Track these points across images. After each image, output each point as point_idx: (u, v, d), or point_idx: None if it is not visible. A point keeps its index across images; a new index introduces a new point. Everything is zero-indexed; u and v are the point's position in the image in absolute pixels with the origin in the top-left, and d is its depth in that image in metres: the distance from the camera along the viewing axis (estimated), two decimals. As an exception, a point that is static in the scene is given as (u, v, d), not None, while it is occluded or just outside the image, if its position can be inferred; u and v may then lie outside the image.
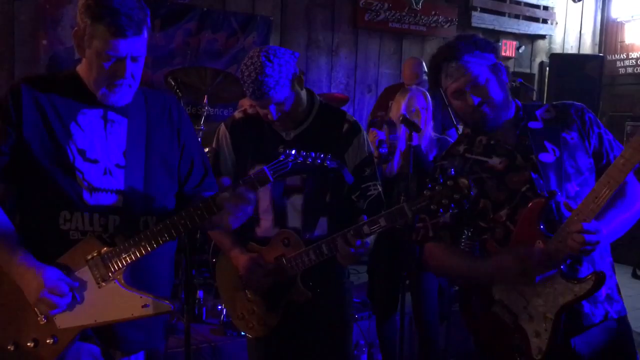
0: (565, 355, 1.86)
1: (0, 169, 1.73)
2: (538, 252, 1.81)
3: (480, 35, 2.02)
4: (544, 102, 2.21)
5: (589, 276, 1.76)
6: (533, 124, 1.97)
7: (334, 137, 2.24)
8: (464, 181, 1.82)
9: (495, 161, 1.96)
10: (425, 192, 1.86)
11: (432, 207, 1.86)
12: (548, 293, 1.81)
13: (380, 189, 2.33)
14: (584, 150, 1.91)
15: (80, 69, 1.81)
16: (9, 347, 1.73)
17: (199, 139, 3.93)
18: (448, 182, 1.83)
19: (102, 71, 1.72)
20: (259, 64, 2.07)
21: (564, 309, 1.79)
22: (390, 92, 5.02)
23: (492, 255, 1.92)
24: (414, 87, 3.74)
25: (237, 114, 2.38)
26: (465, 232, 2.09)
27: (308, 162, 1.79)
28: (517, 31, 7.12)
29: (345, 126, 2.28)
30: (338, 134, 2.26)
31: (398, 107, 3.51)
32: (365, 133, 2.33)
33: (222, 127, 2.35)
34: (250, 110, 2.33)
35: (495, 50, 1.96)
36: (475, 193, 1.93)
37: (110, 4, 1.64)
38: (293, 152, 1.77)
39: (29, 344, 1.73)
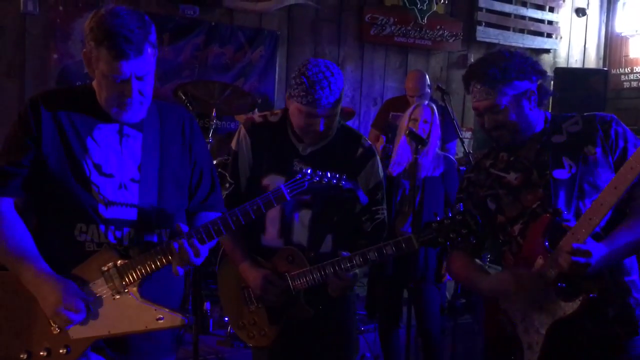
0: None
1: (20, 181, 1.76)
2: (533, 273, 1.83)
3: (524, 54, 1.99)
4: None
5: (579, 298, 1.75)
6: (557, 138, 1.95)
7: (348, 159, 2.28)
8: (472, 217, 1.86)
9: (512, 177, 1.98)
10: (433, 224, 1.92)
11: (439, 239, 1.92)
12: (543, 308, 1.82)
13: (385, 214, 2.37)
14: (607, 166, 1.87)
15: (95, 85, 1.84)
16: (21, 356, 1.75)
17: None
18: (457, 217, 1.88)
19: (110, 92, 1.76)
20: (333, 77, 2.10)
21: (554, 326, 1.80)
22: (392, 104, 5.06)
23: (494, 274, 1.98)
24: (425, 101, 3.76)
25: (257, 118, 2.39)
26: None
27: (324, 182, 1.82)
28: (521, 45, 7.15)
29: (360, 150, 2.31)
30: (352, 156, 2.30)
31: (404, 117, 3.56)
32: (378, 158, 2.36)
33: (242, 129, 2.37)
34: (271, 118, 2.35)
35: (533, 72, 1.94)
36: (493, 208, 1.99)
37: (110, 28, 1.67)
38: (309, 171, 1.81)
39: (41, 353, 1.74)
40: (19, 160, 1.75)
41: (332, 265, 2.11)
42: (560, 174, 1.89)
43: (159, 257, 1.76)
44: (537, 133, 1.98)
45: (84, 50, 1.76)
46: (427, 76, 4.92)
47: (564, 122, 1.98)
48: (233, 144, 2.38)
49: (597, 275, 1.79)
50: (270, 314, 2.27)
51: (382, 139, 3.51)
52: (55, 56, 4.93)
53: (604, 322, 1.84)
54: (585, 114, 2.01)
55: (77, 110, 1.81)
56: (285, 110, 2.35)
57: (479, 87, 1.93)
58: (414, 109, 3.54)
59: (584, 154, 1.89)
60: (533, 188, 1.93)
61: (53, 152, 1.76)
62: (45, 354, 1.74)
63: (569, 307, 1.76)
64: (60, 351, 1.74)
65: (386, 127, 4.63)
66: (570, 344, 1.86)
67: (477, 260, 2.13)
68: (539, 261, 1.83)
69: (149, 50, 1.74)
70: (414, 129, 3.32)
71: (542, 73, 1.97)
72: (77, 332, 1.74)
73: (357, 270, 2.14)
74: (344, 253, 2.12)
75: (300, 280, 2.18)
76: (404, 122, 3.53)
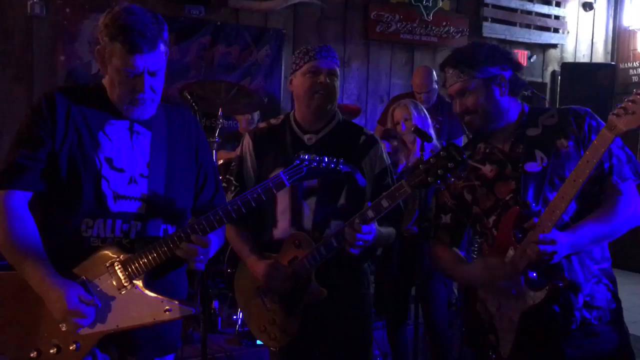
0: (555, 357, 1.92)
1: (38, 175, 1.76)
2: (503, 262, 1.89)
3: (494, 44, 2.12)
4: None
5: (545, 286, 1.81)
6: (532, 131, 2.00)
7: (351, 145, 2.34)
8: (456, 149, 1.90)
9: (487, 169, 2.04)
10: (421, 166, 1.95)
11: (429, 179, 1.93)
12: (515, 297, 1.88)
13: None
14: (578, 159, 1.90)
15: (106, 82, 1.87)
16: (31, 355, 1.75)
17: (214, 151, 4.00)
18: (441, 153, 1.91)
19: (123, 87, 1.78)
20: (332, 49, 2.37)
21: (525, 315, 1.85)
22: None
23: (468, 264, 2.06)
24: (406, 99, 3.78)
25: (261, 125, 2.49)
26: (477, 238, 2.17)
27: (322, 167, 1.86)
28: (528, 41, 7.13)
29: (363, 138, 2.38)
30: (355, 143, 2.35)
31: (388, 121, 3.61)
32: (382, 145, 2.40)
33: (247, 135, 2.46)
34: (273, 121, 2.45)
35: (504, 61, 2.02)
36: (470, 199, 2.06)
37: (125, 23, 1.71)
38: (307, 157, 1.84)
39: (51, 350, 1.75)
40: (35, 153, 1.74)
41: (334, 236, 2.13)
42: (532, 167, 1.95)
43: (163, 249, 1.78)
44: (512, 124, 2.03)
45: (97, 47, 1.78)
46: (434, 72, 4.91)
47: (540, 115, 2.04)
48: (238, 150, 2.47)
49: (564, 264, 1.87)
50: (287, 307, 2.27)
51: (385, 145, 3.57)
52: (62, 58, 4.97)
53: (575, 309, 1.89)
54: (561, 107, 2.07)
55: (89, 105, 1.83)
56: (287, 114, 2.45)
57: (450, 72, 2.04)
58: (393, 111, 3.58)
59: (556, 148, 1.94)
60: (506, 180, 1.98)
61: (65, 146, 1.77)
62: (55, 350, 1.75)
63: (537, 297, 1.82)
64: (70, 348, 1.75)
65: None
66: (543, 330, 1.90)
67: (457, 251, 2.20)
68: (510, 252, 1.88)
69: (162, 46, 1.78)
70: (399, 130, 3.38)
71: (513, 63, 2.05)
72: (85, 328, 1.75)
73: (374, 226, 2.12)
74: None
75: (309, 260, 2.19)
76: (392, 126, 3.58)
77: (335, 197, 2.30)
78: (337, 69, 2.33)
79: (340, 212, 2.28)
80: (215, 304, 3.96)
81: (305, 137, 2.34)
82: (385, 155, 2.40)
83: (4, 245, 1.73)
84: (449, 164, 1.89)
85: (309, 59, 2.30)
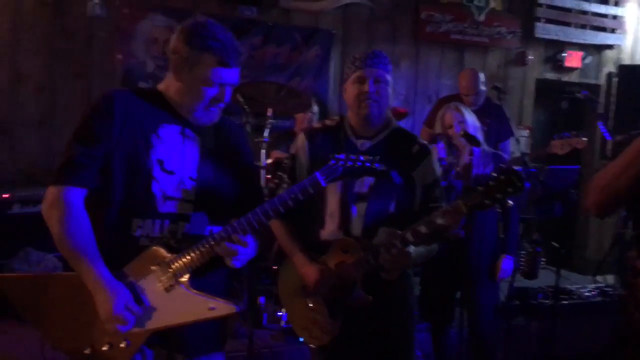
0: None
1: (94, 173, 1.81)
2: None
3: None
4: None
5: None
6: None
7: (404, 155, 2.35)
8: (516, 175, 1.89)
9: None
10: (479, 188, 1.95)
11: (486, 202, 1.95)
12: None
13: None
14: None
15: (165, 88, 1.93)
16: (85, 352, 1.83)
17: (263, 151, 4.08)
18: (501, 177, 1.91)
19: (203, 95, 1.86)
20: (384, 56, 2.37)
21: None
22: (445, 103, 5.00)
23: None
24: (455, 102, 3.75)
25: (316, 125, 2.53)
26: None
27: (357, 165, 1.87)
28: (583, 41, 6.93)
29: (416, 147, 2.38)
30: (408, 152, 2.37)
31: (437, 125, 3.59)
32: (434, 156, 2.42)
33: (301, 135, 2.50)
34: (328, 122, 2.49)
35: None
36: None
37: (216, 36, 1.80)
38: (342, 156, 1.86)
39: (104, 347, 1.82)
40: (92, 151, 1.79)
41: (385, 247, 2.14)
42: None
43: (206, 248, 1.83)
44: None
45: (175, 55, 1.85)
46: (480, 74, 4.86)
47: None
48: (292, 149, 2.52)
49: None
50: (330, 308, 2.30)
51: (438, 150, 3.55)
52: (119, 57, 5.14)
53: None
54: None
55: (145, 108, 1.89)
56: (342, 116, 2.48)
57: None
58: (444, 116, 3.55)
59: None
60: None
61: (119, 145, 1.82)
62: (107, 347, 1.82)
63: None
64: (121, 345, 1.82)
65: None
66: None
67: None
68: None
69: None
70: (451, 134, 3.37)
71: None
72: (135, 326, 1.82)
73: (412, 249, 2.15)
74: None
75: (356, 268, 2.21)
76: (438, 129, 3.55)
77: (386, 204, 2.31)
78: (387, 75, 2.33)
79: (389, 220, 2.30)
80: (261, 300, 4.03)
81: (359, 142, 2.37)
82: (437, 166, 2.41)
83: (60, 240, 1.77)
84: (508, 189, 1.90)
85: (356, 68, 2.33)
